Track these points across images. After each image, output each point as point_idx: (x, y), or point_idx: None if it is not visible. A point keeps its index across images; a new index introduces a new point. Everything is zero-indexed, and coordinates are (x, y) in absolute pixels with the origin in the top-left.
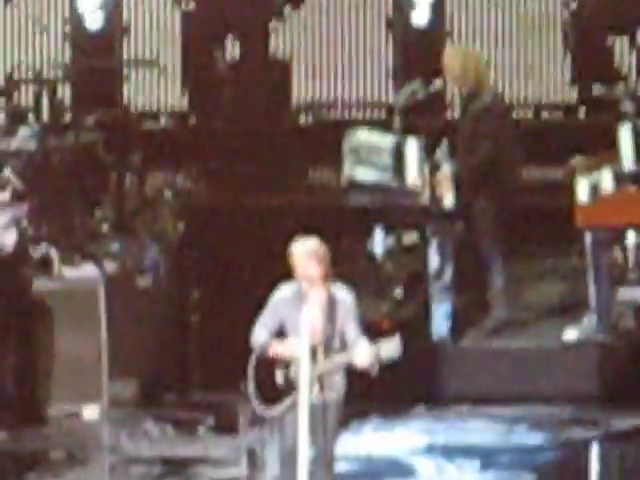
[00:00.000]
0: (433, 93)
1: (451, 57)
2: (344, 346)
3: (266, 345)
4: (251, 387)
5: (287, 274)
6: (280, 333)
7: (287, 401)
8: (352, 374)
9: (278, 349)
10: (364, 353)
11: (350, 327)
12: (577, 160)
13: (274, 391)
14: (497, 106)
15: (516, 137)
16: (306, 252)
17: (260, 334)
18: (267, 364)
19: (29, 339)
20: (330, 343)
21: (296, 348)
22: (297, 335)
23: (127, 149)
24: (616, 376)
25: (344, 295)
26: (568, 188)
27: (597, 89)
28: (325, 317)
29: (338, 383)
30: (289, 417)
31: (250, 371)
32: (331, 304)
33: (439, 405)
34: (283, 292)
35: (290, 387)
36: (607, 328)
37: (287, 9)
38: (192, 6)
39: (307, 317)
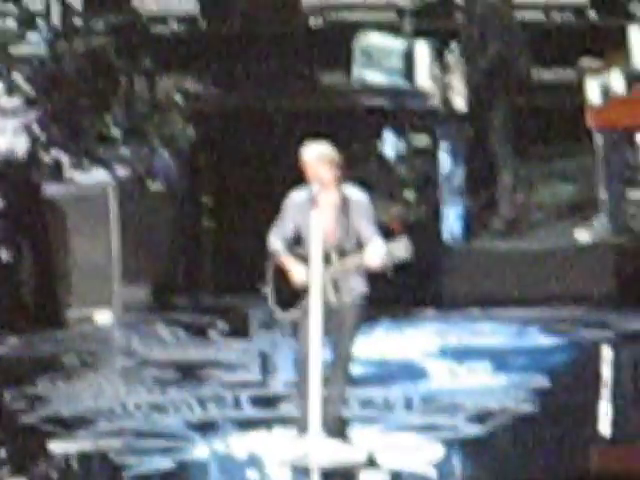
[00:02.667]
0: None
1: None
2: (360, 247)
3: (283, 251)
4: (269, 291)
5: (298, 177)
6: (297, 237)
7: (303, 305)
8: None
9: (287, 265)
10: (374, 253)
11: (365, 227)
12: (586, 61)
13: (292, 295)
14: (503, 7)
15: (525, 38)
16: (317, 156)
17: (276, 241)
18: (285, 269)
19: (42, 244)
20: (344, 245)
21: (299, 274)
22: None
23: (137, 53)
24: (628, 277)
25: (358, 196)
26: (578, 89)
27: None
28: (338, 219)
29: (356, 285)
30: (304, 321)
31: (268, 276)
32: (344, 206)
33: (450, 307)
34: (296, 197)
35: (306, 291)
36: (619, 229)
37: None
38: None
39: (317, 220)
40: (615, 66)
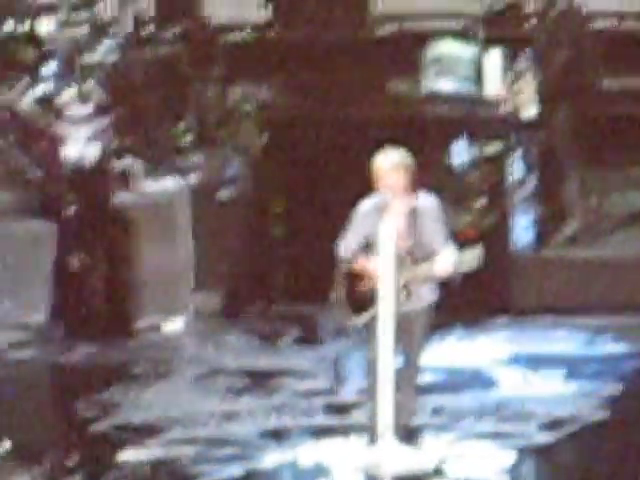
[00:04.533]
0: (512, 3)
1: None
2: (431, 254)
3: (353, 259)
4: (339, 298)
5: (369, 185)
6: (366, 245)
7: (373, 311)
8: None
9: (365, 265)
10: (445, 262)
11: (436, 235)
12: None
13: (362, 302)
14: (574, 14)
15: (596, 45)
16: (391, 163)
17: (347, 248)
18: (355, 276)
19: (113, 252)
20: (415, 252)
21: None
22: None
23: (209, 61)
24: None
25: (429, 203)
26: None
27: None
28: (409, 227)
29: (427, 293)
30: (375, 328)
31: (338, 283)
32: (415, 213)
33: (522, 315)
34: (366, 205)
35: (377, 297)
36: None
37: None
38: None
39: (389, 227)
40: None
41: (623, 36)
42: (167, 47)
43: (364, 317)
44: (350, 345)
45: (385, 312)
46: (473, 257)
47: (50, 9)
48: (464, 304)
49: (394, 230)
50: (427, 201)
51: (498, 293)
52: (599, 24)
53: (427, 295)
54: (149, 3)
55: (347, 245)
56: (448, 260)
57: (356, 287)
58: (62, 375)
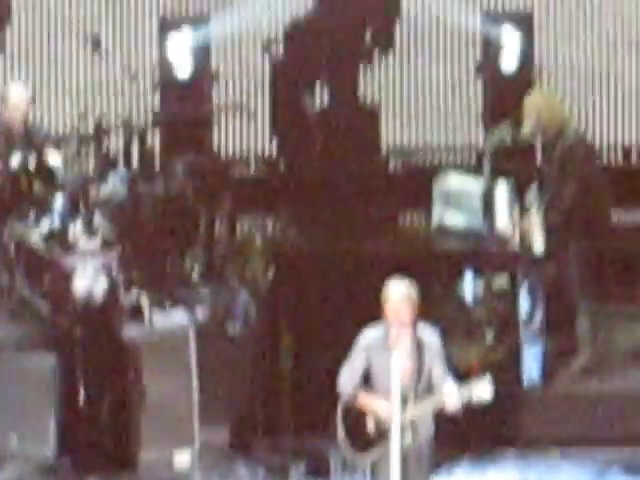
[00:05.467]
0: (522, 137)
1: (533, 102)
2: (431, 388)
3: (354, 395)
4: (341, 433)
5: (377, 318)
6: (367, 377)
7: (379, 448)
8: (440, 417)
9: (366, 403)
10: (454, 396)
11: (437, 368)
12: None
13: (365, 437)
14: (581, 148)
15: (605, 180)
16: (402, 296)
17: (347, 382)
18: (357, 410)
19: (122, 385)
20: (418, 386)
21: (382, 408)
22: (384, 379)
23: (217, 195)
24: None
25: (431, 336)
26: None
27: None
28: (413, 360)
29: (428, 426)
30: (382, 464)
31: (339, 417)
32: (418, 347)
33: (530, 448)
34: (369, 336)
35: (381, 433)
36: None
37: (376, 54)
38: (281, 52)
39: (397, 361)
40: None
41: (631, 170)
42: (175, 180)
43: (370, 455)
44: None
45: (394, 447)
46: (484, 390)
47: (60, 142)
48: (472, 437)
49: (400, 365)
50: (429, 333)
51: (507, 426)
52: (607, 158)
53: (430, 428)
54: (157, 137)
55: (347, 379)
56: (456, 394)
57: (359, 424)
58: None
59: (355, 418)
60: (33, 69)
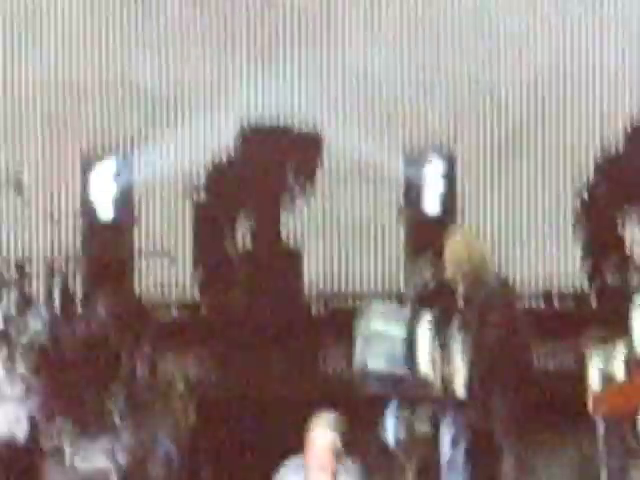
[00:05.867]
0: (444, 280)
1: (453, 246)
2: None
3: None
4: None
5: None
6: None
7: None
8: None
9: None
10: None
11: None
12: (589, 342)
13: None
14: (503, 294)
15: (526, 325)
16: (327, 445)
17: None
18: None
19: None
20: None
21: None
22: None
23: (138, 339)
24: None
25: None
26: (580, 376)
27: (609, 278)
28: None
29: None
30: None
31: None
32: None
33: None
34: (287, 476)
35: None
36: None
37: (298, 198)
38: (203, 197)
39: None
40: (615, 349)
41: (552, 315)
42: (97, 324)
43: None
44: None
45: None
46: None
47: None
48: None
49: None
50: (346, 477)
51: None
52: (529, 303)
53: None
54: (78, 280)
55: None
56: None
57: None
58: None
59: None
60: None
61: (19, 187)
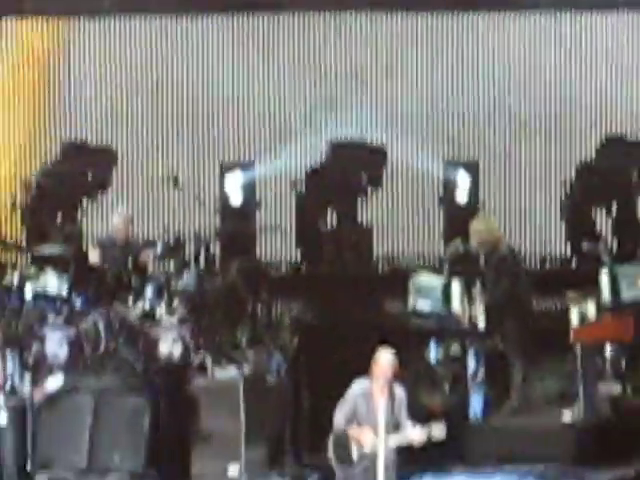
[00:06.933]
0: (470, 249)
1: (477, 225)
2: (398, 426)
3: (345, 428)
4: (331, 453)
5: (364, 374)
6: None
7: (359, 464)
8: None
9: (355, 433)
10: (419, 434)
11: (403, 414)
12: (570, 294)
13: (349, 457)
14: (512, 258)
15: (528, 279)
16: (389, 361)
17: (340, 418)
18: (344, 437)
19: (191, 420)
20: (390, 426)
21: (367, 437)
22: (367, 419)
23: (259, 288)
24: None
25: (401, 391)
26: (565, 315)
27: (585, 246)
28: (388, 406)
29: (393, 450)
30: (360, 476)
31: (331, 442)
32: (393, 397)
33: (474, 465)
34: (357, 388)
35: (361, 454)
36: (592, 413)
37: (370, 191)
38: (304, 190)
39: (383, 406)
40: (589, 299)
41: (546, 273)
42: (230, 277)
43: (352, 469)
44: None
45: (380, 465)
46: (440, 430)
47: (150, 245)
48: (434, 456)
49: (382, 408)
50: (399, 390)
51: (458, 449)
52: (530, 263)
53: (394, 452)
54: (217, 247)
55: (340, 416)
56: (421, 433)
57: (346, 447)
58: None
59: (343, 443)
60: (133, 201)
61: (176, 182)
